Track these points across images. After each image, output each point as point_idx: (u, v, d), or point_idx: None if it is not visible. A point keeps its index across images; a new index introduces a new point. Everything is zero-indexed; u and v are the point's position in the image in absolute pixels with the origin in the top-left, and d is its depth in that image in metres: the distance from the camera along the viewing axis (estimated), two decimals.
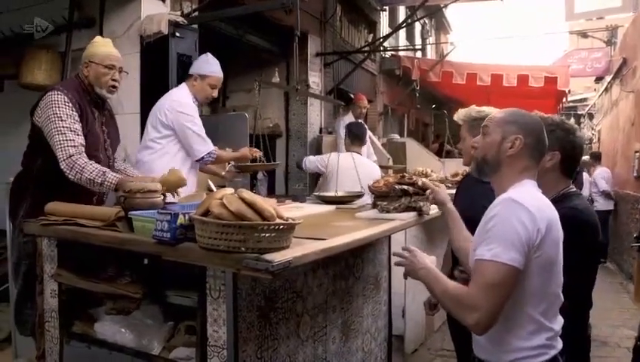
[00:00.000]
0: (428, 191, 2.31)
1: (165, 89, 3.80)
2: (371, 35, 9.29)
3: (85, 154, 2.47)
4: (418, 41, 13.10)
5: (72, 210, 2.08)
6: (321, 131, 7.10)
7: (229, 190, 1.56)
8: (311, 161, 4.62)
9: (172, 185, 2.32)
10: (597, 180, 8.42)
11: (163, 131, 3.13)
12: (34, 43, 4.31)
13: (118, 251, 1.92)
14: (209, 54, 3.30)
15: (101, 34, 3.99)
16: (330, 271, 2.42)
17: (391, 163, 6.78)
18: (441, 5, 9.26)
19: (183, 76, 3.84)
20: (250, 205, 1.46)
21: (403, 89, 9.94)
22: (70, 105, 2.51)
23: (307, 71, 6.83)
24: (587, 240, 1.84)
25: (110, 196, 2.68)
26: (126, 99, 3.85)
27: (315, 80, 7.03)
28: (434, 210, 2.76)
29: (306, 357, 2.20)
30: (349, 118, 6.14)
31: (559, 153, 1.86)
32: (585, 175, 8.78)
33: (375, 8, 9.43)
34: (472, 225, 1.63)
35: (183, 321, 1.98)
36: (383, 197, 2.58)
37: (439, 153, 8.50)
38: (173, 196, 2.40)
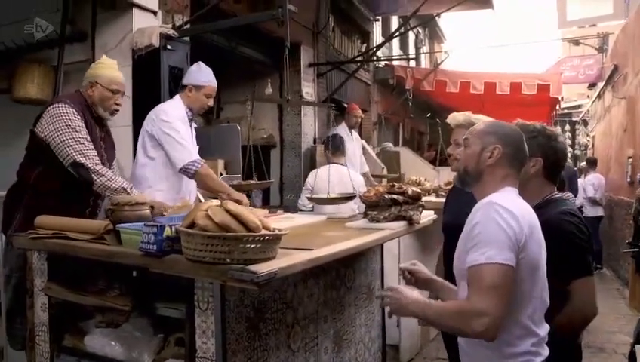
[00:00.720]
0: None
1: (157, 101, 3.81)
2: (364, 45, 9.35)
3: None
4: (412, 50, 13.18)
5: (62, 224, 2.08)
6: (315, 141, 7.12)
7: (216, 201, 1.57)
8: (302, 199, 4.59)
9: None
10: (586, 187, 8.48)
11: (151, 141, 3.08)
12: (26, 57, 4.34)
13: (108, 264, 1.93)
14: (201, 63, 3.27)
15: (93, 48, 4.03)
16: (320, 281, 2.42)
17: (385, 172, 6.81)
18: (434, 14, 9.30)
19: (175, 88, 3.87)
20: (236, 216, 1.46)
21: (397, 98, 9.99)
22: (79, 117, 2.57)
23: (300, 81, 6.87)
24: None
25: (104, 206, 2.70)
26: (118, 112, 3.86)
27: (309, 90, 7.07)
28: (424, 219, 2.78)
29: None
30: (343, 127, 6.16)
31: (542, 159, 1.87)
32: (580, 180, 8.83)
33: (368, 18, 9.49)
34: (460, 233, 1.63)
35: (172, 333, 1.98)
36: (373, 206, 2.59)
37: (434, 162, 8.53)
38: None
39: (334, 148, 4.58)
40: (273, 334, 2.02)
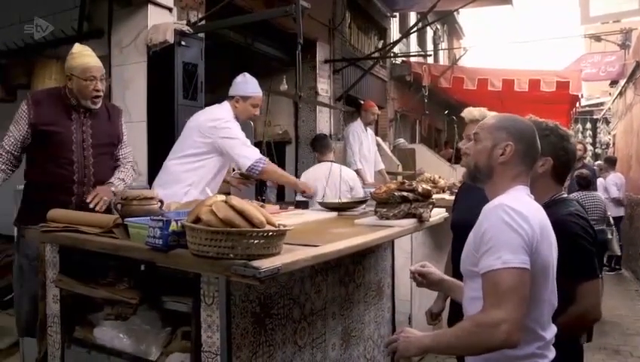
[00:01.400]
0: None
1: (171, 97, 3.87)
2: (382, 41, 9.31)
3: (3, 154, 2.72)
4: (430, 47, 13.08)
5: (73, 217, 2.12)
6: (330, 138, 7.11)
7: (221, 197, 1.57)
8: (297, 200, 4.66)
9: None
10: (609, 186, 8.31)
11: (202, 148, 3.21)
12: (45, 53, 4.41)
13: (117, 257, 1.95)
14: (246, 74, 3.40)
15: (109, 44, 4.08)
16: (329, 277, 2.42)
17: (400, 169, 6.78)
18: (452, 10, 9.21)
19: (189, 85, 3.90)
20: (240, 212, 1.47)
21: (414, 95, 9.92)
22: (24, 108, 2.72)
23: (316, 78, 6.87)
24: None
25: None
26: (133, 107, 3.91)
27: (324, 87, 7.06)
28: (434, 216, 2.76)
29: None
30: (359, 124, 6.15)
31: (551, 159, 1.83)
32: (600, 180, 8.67)
33: (385, 15, 9.44)
34: (469, 231, 1.61)
35: (180, 327, 2.00)
36: (383, 203, 2.58)
37: (451, 159, 8.46)
38: None
39: (321, 147, 4.63)
40: (279, 329, 2.02)
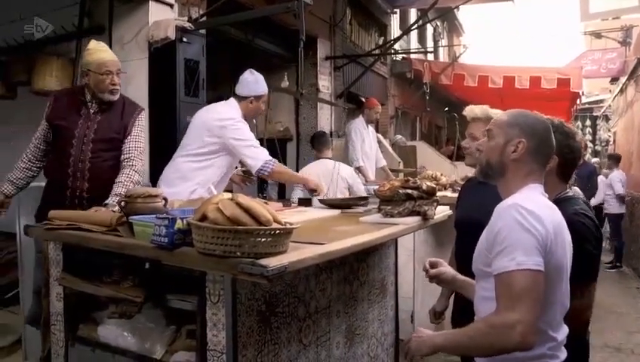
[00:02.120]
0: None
1: (173, 94, 3.85)
2: (382, 38, 9.28)
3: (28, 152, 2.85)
4: (430, 44, 13.06)
5: (76, 215, 2.10)
6: (331, 135, 7.10)
7: (227, 195, 1.56)
8: (294, 196, 4.62)
9: None
10: (614, 183, 8.28)
11: (212, 147, 3.18)
12: (45, 50, 4.39)
13: (122, 255, 1.94)
14: (254, 72, 3.37)
15: (110, 40, 4.05)
16: (333, 275, 2.41)
17: (401, 166, 6.76)
18: (452, 6, 9.17)
19: (190, 81, 3.88)
20: (246, 210, 1.46)
21: (415, 92, 9.91)
22: (47, 104, 2.83)
23: (317, 74, 6.85)
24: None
25: None
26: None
27: (325, 83, 7.04)
28: (439, 214, 2.75)
29: None
30: (360, 121, 6.12)
31: (557, 157, 1.82)
32: (601, 177, 8.67)
33: (385, 11, 9.42)
34: (479, 228, 1.59)
35: (184, 325, 1.99)
36: (387, 201, 2.56)
37: (452, 156, 8.45)
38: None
39: (319, 144, 4.62)
40: (284, 328, 2.01)
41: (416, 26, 8.68)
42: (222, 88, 7.33)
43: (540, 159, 1.55)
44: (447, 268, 1.90)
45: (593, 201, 8.02)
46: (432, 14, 9.64)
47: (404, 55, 9.77)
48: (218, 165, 3.22)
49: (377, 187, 2.70)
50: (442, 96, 11.26)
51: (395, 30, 9.90)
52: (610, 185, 8.31)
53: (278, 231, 1.50)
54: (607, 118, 14.86)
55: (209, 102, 6.79)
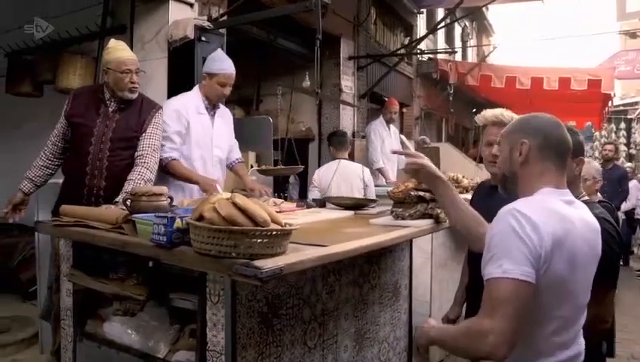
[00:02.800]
0: (407, 161, 1.99)
1: None
2: (408, 38, 9.18)
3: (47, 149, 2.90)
4: (458, 44, 12.87)
5: (84, 212, 2.12)
6: (353, 135, 7.05)
7: (226, 195, 1.54)
8: (311, 191, 4.58)
9: None
10: None
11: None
12: (69, 49, 4.47)
13: (127, 253, 1.95)
14: (219, 50, 3.24)
15: (131, 40, 4.10)
16: (342, 277, 2.38)
17: None
18: (479, 5, 9.00)
19: None
20: (243, 210, 1.44)
21: (441, 93, 9.77)
22: (66, 102, 2.88)
23: (340, 74, 6.82)
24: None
25: None
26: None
27: (348, 84, 7.00)
28: None
29: None
30: (380, 122, 6.06)
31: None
32: (634, 182, 8.40)
33: (412, 11, 9.32)
34: None
35: (188, 324, 1.98)
36: (399, 203, 2.52)
37: (477, 158, 8.29)
38: None
39: (337, 143, 4.55)
40: (288, 330, 1.99)
41: (442, 25, 8.55)
42: (246, 88, 7.38)
43: (550, 156, 1.46)
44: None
45: (624, 206, 7.77)
46: (459, 14, 9.50)
47: (431, 55, 9.64)
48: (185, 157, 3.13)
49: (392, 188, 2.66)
50: (469, 97, 11.09)
51: (421, 30, 9.78)
52: None
53: (274, 233, 1.47)
54: None
55: (231, 102, 6.87)
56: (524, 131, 1.48)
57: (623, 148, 15.47)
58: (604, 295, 1.71)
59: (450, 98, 7.74)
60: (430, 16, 10.64)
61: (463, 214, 1.78)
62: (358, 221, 2.65)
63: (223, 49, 4.11)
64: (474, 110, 12.13)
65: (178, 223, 1.58)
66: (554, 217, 1.35)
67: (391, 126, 6.11)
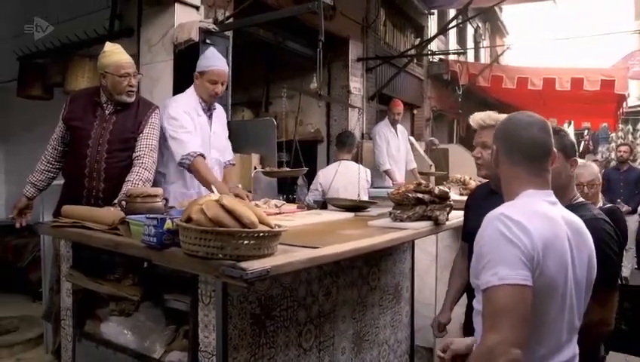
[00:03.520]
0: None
1: None
2: (418, 39, 9.15)
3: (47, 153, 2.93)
4: (471, 45, 12.78)
5: (83, 213, 2.14)
6: (362, 137, 7.03)
7: (214, 196, 1.55)
8: (311, 191, 4.57)
9: None
10: None
11: (163, 135, 3.04)
12: (79, 52, 4.53)
13: (123, 254, 1.96)
14: (211, 48, 3.18)
15: (138, 43, 4.15)
16: (339, 279, 2.37)
17: (433, 169, 6.63)
18: (490, 5, 8.93)
19: None
20: (230, 211, 1.44)
21: (452, 94, 9.71)
22: (63, 105, 2.92)
23: (348, 76, 6.81)
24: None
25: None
26: (160, 105, 3.96)
27: (357, 85, 6.99)
28: (454, 219, 2.65)
29: None
30: (385, 124, 6.04)
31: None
32: None
33: (422, 12, 9.28)
34: None
35: (183, 325, 1.99)
36: (399, 205, 2.50)
37: None
38: None
39: (339, 143, 4.53)
40: (282, 331, 1.99)
41: (452, 25, 8.49)
42: (255, 90, 7.41)
43: (522, 161, 1.41)
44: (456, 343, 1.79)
45: None
46: (471, 14, 9.44)
47: (441, 56, 9.59)
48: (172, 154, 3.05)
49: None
50: (481, 98, 10.99)
51: (432, 32, 9.74)
52: None
53: (261, 234, 1.47)
54: None
55: (240, 104, 6.90)
56: (496, 135, 1.50)
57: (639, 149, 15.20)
58: (606, 297, 1.67)
59: (460, 99, 7.69)
60: (442, 17, 10.58)
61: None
62: (356, 223, 2.64)
63: (228, 51, 4.14)
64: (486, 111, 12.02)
65: (168, 224, 1.59)
66: (542, 219, 1.33)
67: (398, 126, 6.08)
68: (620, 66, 8.91)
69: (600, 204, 3.04)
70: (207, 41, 3.85)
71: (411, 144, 6.57)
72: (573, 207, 1.70)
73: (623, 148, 7.08)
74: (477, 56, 13.69)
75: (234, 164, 3.48)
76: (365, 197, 3.78)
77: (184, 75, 3.90)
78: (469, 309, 2.35)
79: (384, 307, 2.80)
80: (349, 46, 6.75)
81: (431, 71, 9.64)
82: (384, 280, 2.79)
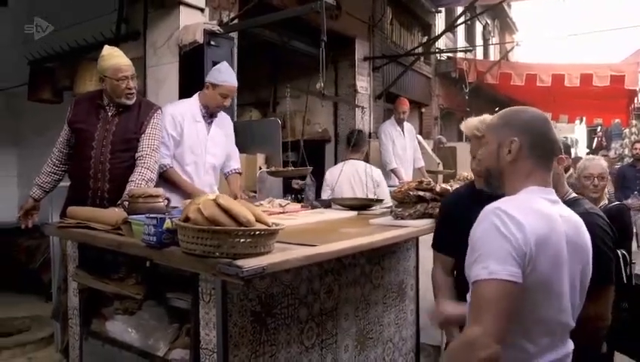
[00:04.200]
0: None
1: None
2: (426, 37, 9.13)
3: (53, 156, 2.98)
4: (480, 42, 12.72)
5: (89, 214, 2.18)
6: (370, 136, 7.03)
7: (212, 196, 1.58)
8: (324, 190, 4.57)
9: None
10: None
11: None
12: (87, 56, 4.59)
13: (127, 254, 2.00)
14: (224, 63, 3.31)
15: (144, 45, 4.20)
16: (341, 277, 2.39)
17: (441, 168, 6.61)
18: (496, 2, 8.86)
19: None
20: (226, 210, 1.47)
21: (460, 92, 9.67)
22: (68, 109, 2.98)
23: (355, 75, 6.82)
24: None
25: None
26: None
27: (364, 84, 7.00)
28: None
29: None
30: (390, 123, 6.05)
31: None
32: None
33: (429, 10, 9.25)
34: None
35: (186, 324, 2.02)
36: (400, 203, 2.52)
37: None
38: None
39: (347, 143, 4.51)
40: (283, 329, 2.01)
41: (459, 22, 8.45)
42: (262, 91, 7.45)
43: (540, 155, 1.41)
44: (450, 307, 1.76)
45: None
46: (479, 11, 9.39)
47: (450, 54, 9.56)
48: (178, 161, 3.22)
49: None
50: (490, 95, 10.95)
51: (439, 29, 9.71)
52: None
53: (258, 232, 1.49)
54: None
55: (247, 105, 6.94)
56: (515, 128, 1.43)
57: None
58: (600, 292, 1.67)
59: (467, 97, 7.66)
60: (449, 15, 10.55)
61: None
62: (358, 221, 2.66)
63: (233, 52, 4.18)
64: (496, 108, 11.96)
65: (168, 224, 1.62)
66: (538, 216, 1.32)
67: (406, 125, 6.08)
68: (630, 61, 8.82)
69: (605, 201, 3.03)
70: (212, 42, 3.89)
71: (419, 142, 6.57)
72: (565, 204, 1.70)
73: (638, 145, 7.02)
74: (486, 54, 13.62)
75: (240, 173, 3.54)
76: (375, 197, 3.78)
77: (190, 76, 3.96)
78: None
79: (388, 305, 2.81)
80: (355, 45, 6.76)
81: (439, 69, 9.61)
82: (388, 278, 2.80)
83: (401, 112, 5.95)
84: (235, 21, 4.29)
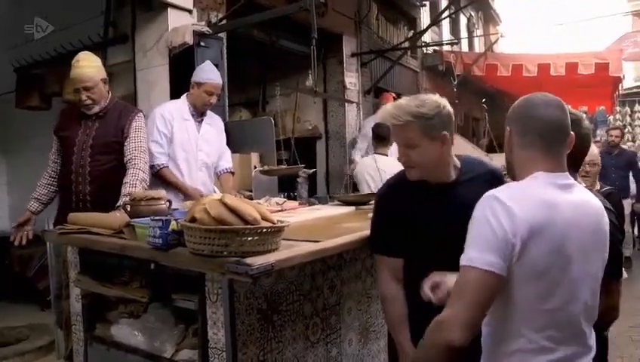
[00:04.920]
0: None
1: None
2: (412, 31, 9.17)
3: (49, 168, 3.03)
4: (464, 34, 12.78)
5: (89, 219, 2.18)
6: (359, 131, 7.07)
7: (217, 196, 1.59)
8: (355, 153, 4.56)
9: None
10: None
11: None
12: None
13: (130, 257, 2.00)
14: (208, 62, 3.36)
15: (133, 48, 4.18)
16: (343, 272, 2.40)
17: None
18: None
19: None
20: (232, 210, 1.48)
21: (447, 84, 9.73)
22: (57, 119, 3.08)
23: (343, 72, 6.84)
24: None
25: None
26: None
27: (352, 80, 7.02)
28: None
29: (317, 360, 2.19)
30: (375, 117, 6.07)
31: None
32: None
33: (414, 4, 9.29)
34: None
35: (192, 324, 2.03)
36: None
37: (491, 149, 8.19)
38: None
39: (378, 138, 4.44)
40: (289, 325, 2.02)
41: (445, 15, 8.51)
42: (251, 91, 7.43)
43: (537, 142, 1.36)
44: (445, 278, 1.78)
45: None
46: (463, 4, 9.47)
47: (436, 47, 9.61)
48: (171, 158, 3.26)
49: None
50: (478, 87, 11.01)
51: (424, 23, 9.75)
52: None
53: (264, 230, 1.51)
54: None
55: (237, 105, 6.93)
56: (509, 117, 1.43)
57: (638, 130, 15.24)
58: (611, 284, 1.66)
59: (455, 89, 7.70)
60: (434, 8, 10.59)
61: None
62: (357, 216, 2.68)
63: (223, 53, 4.17)
64: (484, 100, 12.05)
65: (173, 225, 1.63)
66: (535, 204, 1.28)
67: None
68: (613, 48, 8.93)
69: (597, 186, 3.08)
70: (202, 43, 3.88)
71: None
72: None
73: (614, 132, 6.94)
74: (471, 46, 13.70)
75: (232, 173, 3.55)
76: None
77: (180, 78, 3.94)
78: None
79: None
80: (342, 42, 6.78)
81: (425, 62, 9.66)
82: None
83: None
84: (224, 21, 4.28)
